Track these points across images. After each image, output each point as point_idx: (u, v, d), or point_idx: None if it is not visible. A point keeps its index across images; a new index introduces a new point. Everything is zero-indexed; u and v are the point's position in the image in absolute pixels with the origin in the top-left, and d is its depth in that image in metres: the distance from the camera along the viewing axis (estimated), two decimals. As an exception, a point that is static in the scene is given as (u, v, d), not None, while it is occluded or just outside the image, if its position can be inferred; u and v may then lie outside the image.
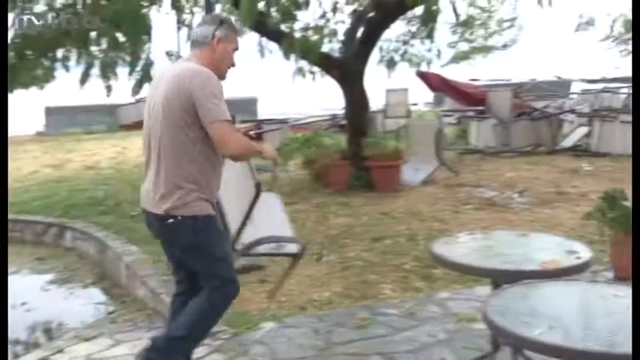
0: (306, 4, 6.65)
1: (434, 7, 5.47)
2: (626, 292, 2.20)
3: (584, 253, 2.58)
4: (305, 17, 7.56)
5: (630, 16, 8.93)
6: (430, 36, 7.09)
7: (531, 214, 6.27)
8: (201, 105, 2.62)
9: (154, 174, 2.75)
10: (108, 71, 6.66)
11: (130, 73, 6.64)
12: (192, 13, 7.13)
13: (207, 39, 2.83)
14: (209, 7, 4.87)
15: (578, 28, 8.42)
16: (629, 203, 4.39)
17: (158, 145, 2.72)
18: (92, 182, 9.45)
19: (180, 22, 7.02)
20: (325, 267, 5.03)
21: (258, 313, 4.08)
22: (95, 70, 6.69)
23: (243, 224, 3.33)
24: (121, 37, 6.18)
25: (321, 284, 4.62)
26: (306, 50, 5.80)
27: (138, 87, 6.56)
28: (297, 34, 6.57)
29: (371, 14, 7.57)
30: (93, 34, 6.25)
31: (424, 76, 11.77)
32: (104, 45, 6.49)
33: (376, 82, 9.82)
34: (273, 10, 5.40)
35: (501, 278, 2.50)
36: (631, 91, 13.94)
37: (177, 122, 2.66)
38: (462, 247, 2.83)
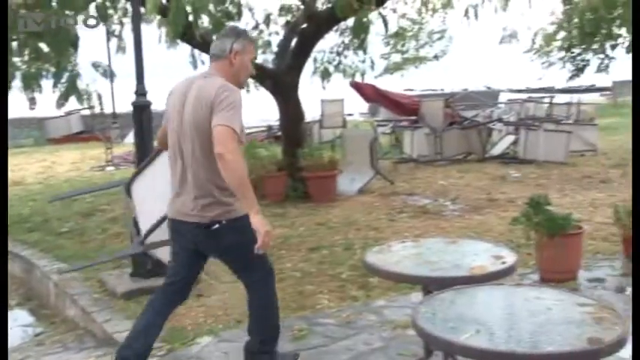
0: (239, 15, 6.63)
1: (365, 19, 5.56)
2: (547, 294, 2.30)
3: (510, 257, 2.67)
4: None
5: (549, 30, 9.39)
6: (362, 47, 7.21)
7: (463, 221, 6.45)
8: (216, 112, 2.77)
9: (191, 186, 2.90)
10: (31, 83, 6.42)
11: (55, 85, 6.42)
12: (121, 23, 6.99)
13: (225, 52, 2.95)
14: (138, 18, 4.78)
15: (502, 41, 8.77)
16: (552, 208, 4.59)
17: (193, 157, 2.87)
18: (18, 199, 9.07)
19: (110, 33, 6.85)
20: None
21: (194, 328, 4.02)
22: (17, 82, 6.43)
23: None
24: (45, 48, 5.98)
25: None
26: (239, 62, 5.77)
27: (63, 99, 6.36)
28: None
29: (304, 26, 7.62)
30: (14, 44, 6.02)
31: (358, 87, 11.93)
32: (26, 56, 6.26)
33: (312, 93, 9.89)
34: (201, 21, 5.34)
35: (431, 285, 2.56)
36: (553, 101, 14.62)
37: (209, 136, 2.78)
38: (394, 255, 2.88)
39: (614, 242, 5.17)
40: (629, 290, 4.32)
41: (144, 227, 4.29)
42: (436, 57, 15.04)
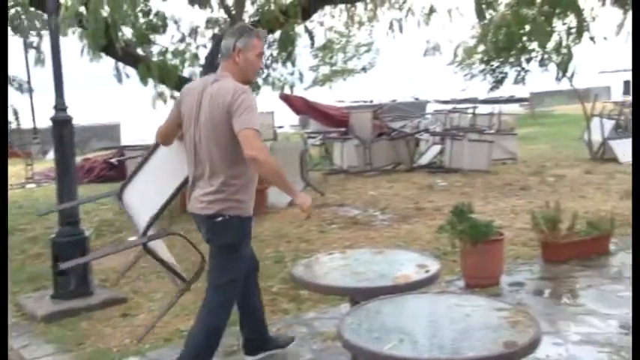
0: (164, 27, 6.53)
1: (291, 32, 5.59)
2: (467, 301, 2.38)
3: (433, 266, 2.74)
4: (164, 41, 7.44)
5: (470, 44, 9.75)
6: (290, 60, 7.23)
7: (392, 230, 6.56)
8: (234, 117, 2.92)
9: (207, 183, 3.06)
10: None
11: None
12: (39, 35, 6.74)
13: (229, 51, 3.09)
14: (56, 30, 4.62)
15: (426, 53, 9.03)
16: (476, 215, 4.75)
17: (210, 158, 3.03)
18: None
19: (28, 45, 6.60)
20: (193, 295, 4.90)
21: (120, 350, 3.89)
22: None
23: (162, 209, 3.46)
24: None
25: (188, 313, 4.50)
26: (164, 74, 5.68)
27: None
28: (156, 58, 6.42)
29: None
30: None
31: (288, 99, 11.95)
32: None
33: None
34: (121, 34, 5.23)
35: (358, 296, 2.60)
36: (476, 112, 15.14)
37: (225, 135, 2.96)
38: (321, 267, 2.90)
39: (532, 247, 5.40)
40: (547, 292, 4.52)
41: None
42: (364, 69, 15.30)
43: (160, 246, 4.01)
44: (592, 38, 5.74)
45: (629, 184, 7.64)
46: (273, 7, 5.56)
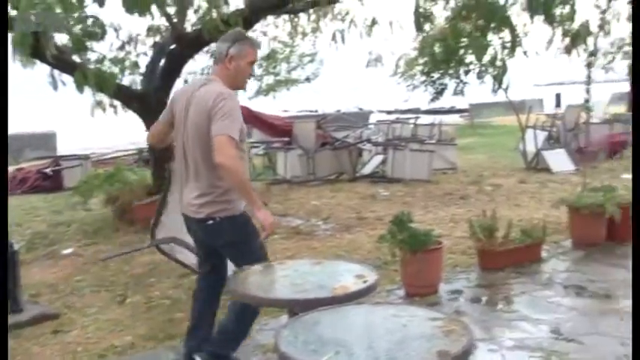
0: (102, 34, 6.36)
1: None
2: (404, 312, 2.39)
3: (371, 276, 2.74)
4: (103, 48, 7.26)
5: (411, 55, 9.92)
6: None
7: (334, 240, 6.58)
8: (213, 122, 2.98)
9: (194, 186, 3.14)
10: None
11: None
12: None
13: (222, 56, 3.15)
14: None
15: (369, 64, 9.15)
16: (416, 224, 4.81)
17: (194, 160, 3.10)
18: None
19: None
20: (129, 309, 4.80)
21: (51, 368, 3.74)
22: None
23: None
24: None
25: (123, 328, 4.39)
26: (101, 82, 5.52)
27: None
28: (93, 66, 6.25)
29: (172, 47, 7.48)
30: None
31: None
32: None
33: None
34: (54, 40, 5.06)
35: (296, 307, 2.57)
36: (418, 122, 15.42)
37: (207, 139, 3.00)
38: (258, 279, 2.86)
39: (470, 255, 5.51)
40: (483, 300, 4.61)
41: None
42: (308, 79, 15.37)
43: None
44: (525, 52, 5.95)
45: (560, 192, 7.94)
46: (215, 15, 5.49)
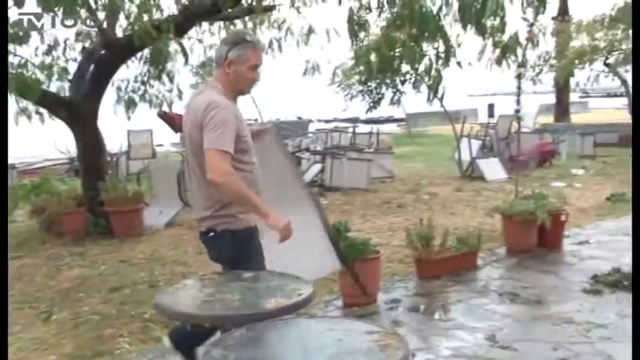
0: (26, 38, 6.05)
1: (163, 48, 5.35)
2: (339, 325, 2.32)
3: (306, 289, 2.65)
4: (28, 53, 6.91)
5: (348, 65, 9.94)
6: (161, 77, 6.94)
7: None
8: (204, 134, 2.78)
9: (198, 199, 3.00)
10: None
11: None
12: None
13: (221, 60, 2.93)
14: None
15: (306, 73, 9.12)
16: (355, 233, 4.76)
17: (195, 173, 2.95)
18: None
19: None
20: (54, 326, 4.55)
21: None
22: None
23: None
24: None
25: (48, 346, 4.15)
26: (24, 89, 5.22)
27: None
28: (15, 71, 5.92)
29: (101, 53, 7.20)
30: None
31: (167, 117, 11.52)
32: None
33: (118, 123, 9.35)
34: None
35: (226, 324, 2.45)
36: (356, 131, 15.51)
37: (202, 151, 2.80)
38: (188, 295, 2.72)
39: (408, 264, 5.51)
40: (421, 308, 4.60)
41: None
42: (246, 88, 15.14)
43: None
44: (459, 63, 6.02)
45: (494, 200, 8.11)
46: (145, 19, 5.30)
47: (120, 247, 6.87)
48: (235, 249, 2.97)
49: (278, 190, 3.45)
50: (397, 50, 4.96)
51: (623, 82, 15.89)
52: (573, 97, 25.80)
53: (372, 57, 5.07)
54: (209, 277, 3.03)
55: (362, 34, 5.10)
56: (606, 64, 15.28)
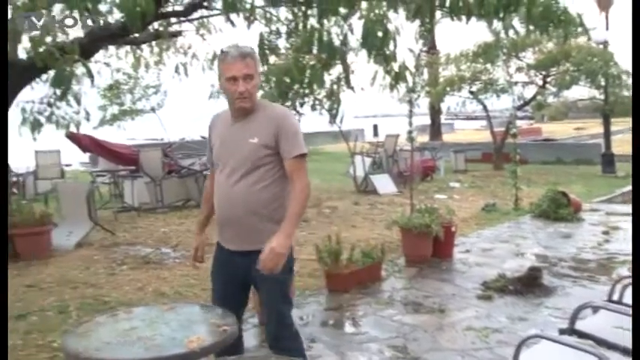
0: None
1: (67, 70, 4.73)
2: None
3: (230, 323, 2.27)
4: None
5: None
6: (65, 98, 6.21)
7: (184, 268, 5.92)
8: None
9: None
10: None
11: None
12: None
13: None
14: None
15: (211, 96, 8.72)
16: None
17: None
18: None
19: None
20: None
21: None
22: None
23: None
24: None
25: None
26: None
27: None
28: None
29: (3, 74, 6.34)
30: None
31: (75, 138, 10.60)
32: None
33: (26, 144, 8.38)
34: None
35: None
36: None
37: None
38: (101, 334, 2.24)
39: (318, 277, 5.22)
40: (333, 323, 4.30)
41: None
42: (153, 109, 14.43)
43: None
44: (352, 88, 5.89)
45: (388, 213, 8.04)
46: (49, 41, 4.67)
47: (26, 270, 6.04)
48: (289, 260, 2.72)
49: None
50: (306, 74, 4.71)
51: (484, 107, 16.75)
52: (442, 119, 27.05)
53: (280, 80, 4.78)
54: (123, 310, 2.55)
55: (272, 58, 4.80)
56: (470, 92, 16.04)
